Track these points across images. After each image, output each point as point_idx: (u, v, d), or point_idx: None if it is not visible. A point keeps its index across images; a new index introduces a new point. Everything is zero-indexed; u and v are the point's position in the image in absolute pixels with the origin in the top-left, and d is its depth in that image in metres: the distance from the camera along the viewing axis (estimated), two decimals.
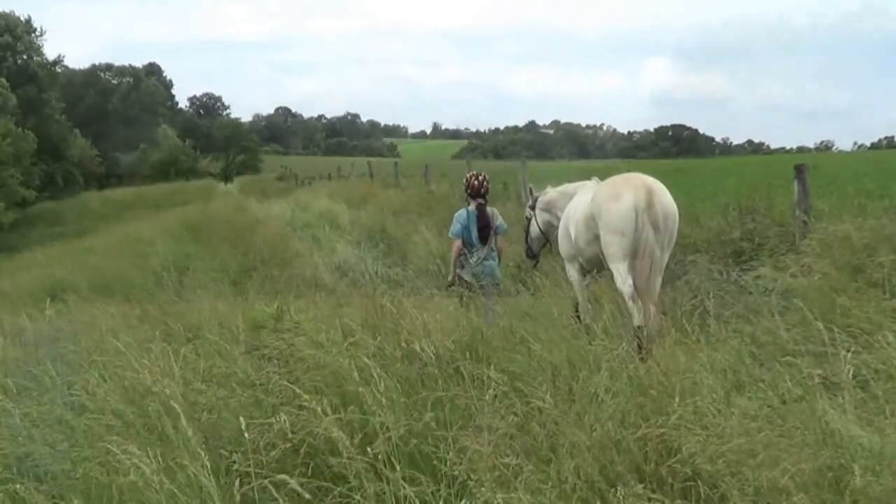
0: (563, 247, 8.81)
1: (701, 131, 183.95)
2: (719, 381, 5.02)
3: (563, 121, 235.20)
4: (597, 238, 7.87)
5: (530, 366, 5.47)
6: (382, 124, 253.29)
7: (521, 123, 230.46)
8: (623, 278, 7.48)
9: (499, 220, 9.66)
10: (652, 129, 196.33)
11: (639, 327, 6.96)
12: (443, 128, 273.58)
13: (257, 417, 4.69)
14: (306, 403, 4.40)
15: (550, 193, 9.67)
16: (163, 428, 4.78)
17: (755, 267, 9.63)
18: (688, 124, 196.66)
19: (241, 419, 4.32)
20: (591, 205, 8.03)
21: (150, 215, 36.37)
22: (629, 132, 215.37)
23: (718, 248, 10.64)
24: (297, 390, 4.68)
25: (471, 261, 9.45)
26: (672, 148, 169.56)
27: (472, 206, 9.60)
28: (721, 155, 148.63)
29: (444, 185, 23.97)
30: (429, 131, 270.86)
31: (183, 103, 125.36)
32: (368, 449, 4.08)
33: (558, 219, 9.20)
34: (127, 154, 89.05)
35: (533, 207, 9.97)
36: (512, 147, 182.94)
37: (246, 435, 4.20)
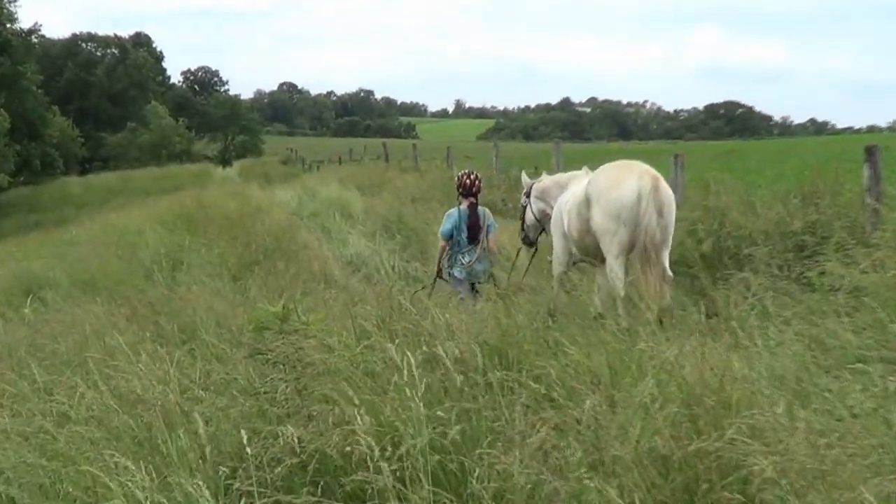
0: (556, 240, 9.73)
1: (756, 109, 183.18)
2: (780, 392, 4.98)
3: (600, 98, 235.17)
4: (588, 226, 8.63)
5: (566, 372, 5.45)
6: (399, 102, 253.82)
7: (554, 101, 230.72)
8: (616, 274, 8.27)
9: (490, 219, 10.38)
10: (701, 107, 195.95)
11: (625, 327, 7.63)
12: (466, 106, 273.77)
13: (261, 429, 4.70)
14: (316, 414, 4.41)
15: (545, 181, 10.53)
16: (155, 441, 4.79)
17: (820, 262, 9.55)
18: (742, 101, 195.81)
19: (243, 431, 4.33)
20: (586, 190, 8.70)
21: (138, 203, 36.46)
22: (675, 110, 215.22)
23: (778, 241, 10.57)
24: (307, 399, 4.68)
25: (463, 261, 10.23)
26: (724, 128, 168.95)
27: (465, 205, 10.33)
28: (780, 135, 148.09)
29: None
30: (451, 110, 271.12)
31: (175, 78, 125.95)
32: (384, 465, 4.07)
33: (552, 207, 10.03)
34: (112, 134, 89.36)
35: (528, 195, 10.76)
36: (544, 127, 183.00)
37: (248, 450, 4.21)
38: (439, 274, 10.52)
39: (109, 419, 5.27)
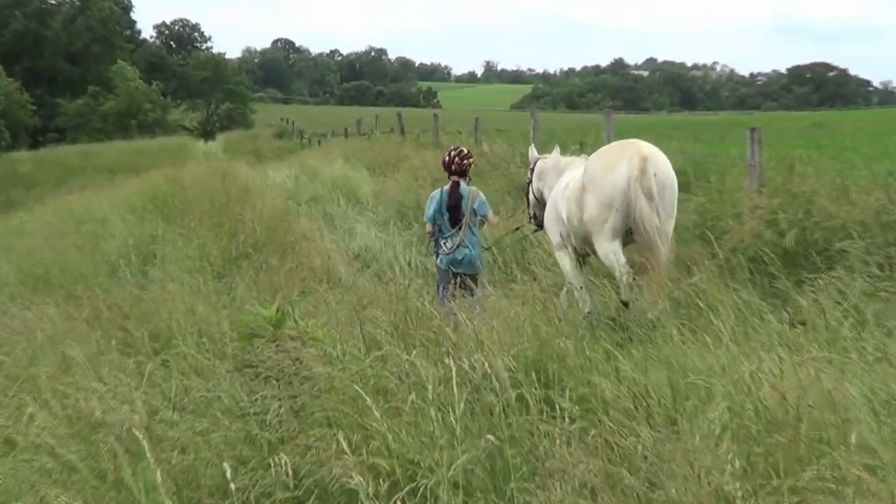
0: (551, 230, 10.33)
1: (851, 73, 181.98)
2: (883, 419, 4.95)
3: (660, 59, 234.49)
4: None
5: (618, 392, 5.43)
6: (417, 63, 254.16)
7: (605, 63, 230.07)
8: (615, 257, 8.93)
9: (478, 200, 10.93)
10: (784, 70, 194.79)
11: (624, 303, 8.49)
12: (498, 68, 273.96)
13: (249, 459, 4.70)
14: (315, 440, 4.41)
15: (548, 162, 11.18)
16: (119, 474, 4.80)
17: None
18: (833, 63, 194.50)
19: (227, 461, 4.33)
20: (583, 177, 9.35)
21: (102, 184, 36.59)
22: (751, 74, 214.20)
23: (878, 233, 10.48)
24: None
25: (444, 247, 10.84)
26: (812, 95, 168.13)
27: (448, 186, 11.01)
28: (880, 105, 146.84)
29: (501, 145, 23.86)
30: (479, 73, 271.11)
31: (147, 32, 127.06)
32: None
33: (549, 190, 10.68)
34: (70, 100, 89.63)
35: (532, 171, 11.42)
36: (592, 94, 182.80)
37: (232, 484, 4.21)
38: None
39: (63, 447, 5.28)
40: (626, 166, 8.88)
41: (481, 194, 11.08)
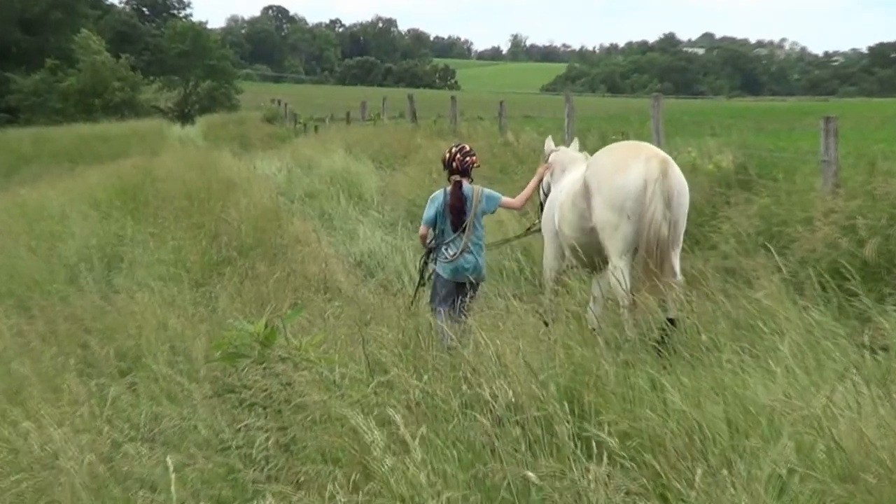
0: (546, 239, 10.85)
1: None
2: None
3: (718, 34, 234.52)
4: (585, 221, 9.60)
5: (666, 427, 5.42)
6: (432, 37, 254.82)
7: (653, 39, 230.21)
8: (619, 278, 9.08)
9: (484, 197, 11.12)
10: (865, 49, 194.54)
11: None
12: (527, 44, 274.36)
13: (230, 500, 4.71)
14: (308, 478, 4.41)
15: (559, 155, 11.55)
16: None
17: None
18: None
19: (204, 503, 4.34)
20: (584, 177, 9.66)
21: (61, 174, 36.66)
22: (826, 53, 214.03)
23: None
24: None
25: (447, 254, 10.96)
26: None
27: (451, 186, 11.20)
28: None
29: (529, 134, 23.85)
30: (505, 49, 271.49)
31: None
32: None
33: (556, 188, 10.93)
34: (25, 76, 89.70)
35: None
36: (637, 76, 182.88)
37: None
38: (423, 274, 11.61)
39: (8, 487, 5.29)
40: (643, 167, 9.12)
41: (485, 190, 11.27)
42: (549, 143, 12.11)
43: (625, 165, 9.24)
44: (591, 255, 9.74)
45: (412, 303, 10.80)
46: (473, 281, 10.90)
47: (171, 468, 5.22)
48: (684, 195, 9.36)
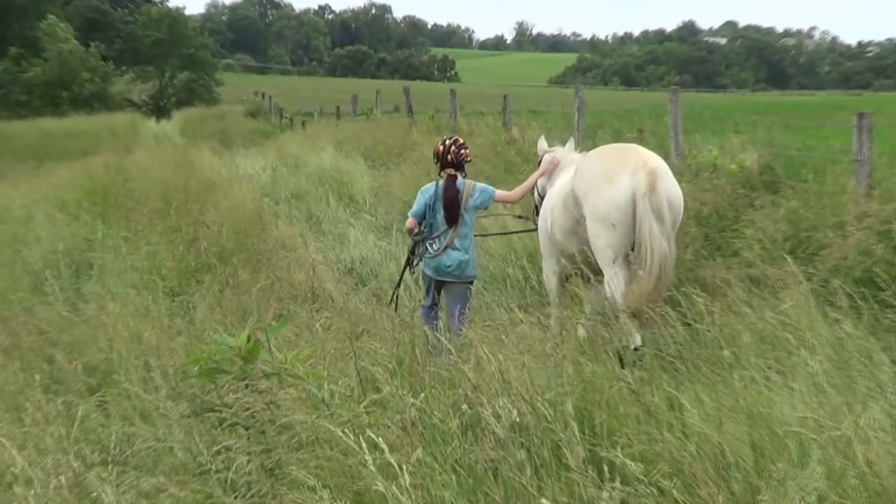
0: (542, 244, 11.12)
1: None
2: None
3: (742, 23, 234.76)
4: (578, 226, 9.85)
5: (685, 450, 5.41)
6: (430, 24, 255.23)
7: (671, 27, 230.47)
8: (616, 284, 9.33)
9: (476, 192, 11.51)
10: None
11: (636, 349, 8.62)
12: (533, 32, 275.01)
13: None
14: None
15: (553, 156, 11.86)
16: None
17: None
18: None
19: None
20: (573, 181, 9.91)
21: (25, 172, 36.68)
22: (860, 43, 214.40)
23: None
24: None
25: (431, 249, 11.44)
26: None
27: (443, 179, 11.64)
28: None
29: (535, 130, 23.86)
30: (509, 38, 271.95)
31: None
32: None
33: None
34: None
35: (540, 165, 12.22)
36: (654, 67, 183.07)
37: None
38: (406, 269, 12.29)
39: None
40: (630, 180, 9.27)
41: (478, 184, 11.63)
42: (543, 144, 12.33)
43: (612, 175, 9.39)
44: (588, 263, 9.80)
45: (391, 302, 11.38)
46: (457, 279, 11.20)
47: (145, 494, 5.22)
48: (676, 208, 9.56)
